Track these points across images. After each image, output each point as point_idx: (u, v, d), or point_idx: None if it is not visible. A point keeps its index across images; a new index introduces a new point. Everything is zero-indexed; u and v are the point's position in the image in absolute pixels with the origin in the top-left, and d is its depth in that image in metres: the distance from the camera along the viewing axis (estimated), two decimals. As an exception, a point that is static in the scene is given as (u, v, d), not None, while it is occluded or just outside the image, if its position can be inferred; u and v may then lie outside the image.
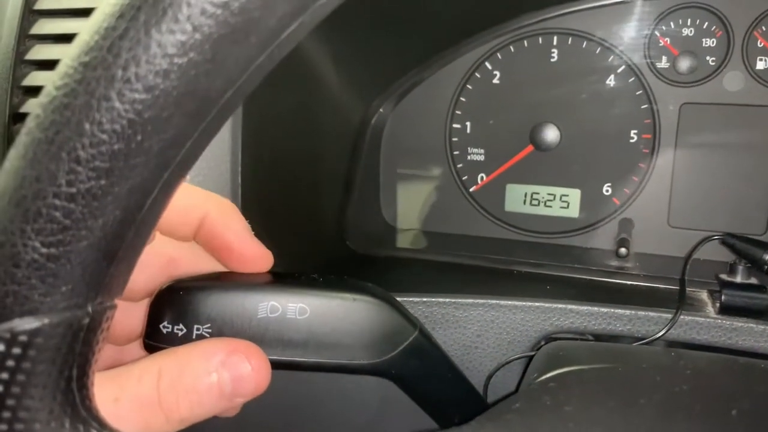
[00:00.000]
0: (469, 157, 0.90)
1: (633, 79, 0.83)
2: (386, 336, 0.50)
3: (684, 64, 0.81)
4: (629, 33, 0.82)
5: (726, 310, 0.63)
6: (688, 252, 0.70)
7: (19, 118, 0.67)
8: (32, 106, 0.67)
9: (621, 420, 0.36)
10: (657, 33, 0.82)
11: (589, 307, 0.64)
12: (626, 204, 0.85)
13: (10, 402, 0.30)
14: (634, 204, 0.85)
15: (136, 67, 0.26)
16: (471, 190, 0.91)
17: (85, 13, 0.69)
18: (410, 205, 0.93)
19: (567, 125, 0.85)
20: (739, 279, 0.66)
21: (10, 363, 0.30)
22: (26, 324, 0.29)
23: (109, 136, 0.27)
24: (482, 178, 0.90)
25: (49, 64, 0.68)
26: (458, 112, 0.89)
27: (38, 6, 0.69)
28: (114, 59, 0.26)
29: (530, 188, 0.88)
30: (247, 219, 0.63)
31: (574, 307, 0.64)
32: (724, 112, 0.80)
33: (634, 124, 0.84)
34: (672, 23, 0.81)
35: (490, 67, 0.87)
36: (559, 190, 0.87)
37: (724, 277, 0.67)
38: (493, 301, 0.66)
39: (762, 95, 0.79)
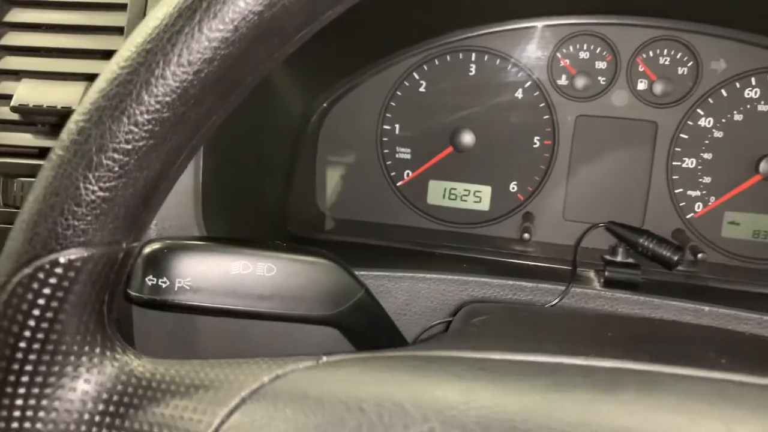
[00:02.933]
0: (397, 156, 1.00)
1: (537, 93, 0.95)
2: (338, 292, 0.58)
3: (580, 82, 0.94)
4: (535, 53, 0.95)
5: (609, 284, 0.76)
6: (579, 236, 0.83)
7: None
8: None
9: (540, 336, 0.47)
10: (558, 55, 0.95)
11: (499, 280, 0.75)
12: (529, 200, 0.97)
13: (61, 316, 0.37)
14: (535, 200, 0.97)
15: (189, 55, 0.34)
16: (398, 184, 1.01)
17: (55, 5, 0.74)
18: (343, 196, 1.02)
19: (481, 130, 0.97)
20: (619, 258, 0.79)
21: (65, 284, 0.36)
22: (80, 253, 0.36)
23: (161, 106, 0.35)
24: (408, 174, 1.00)
25: (21, 50, 0.73)
26: (388, 115, 0.99)
27: (8, 19, 0.74)
28: (171, 48, 0.34)
29: (449, 184, 0.99)
30: (207, 208, 0.70)
31: (486, 279, 0.75)
32: (611, 124, 0.94)
33: (537, 131, 0.96)
34: (571, 47, 0.94)
35: (417, 77, 0.98)
36: (473, 187, 0.99)
37: (607, 257, 0.80)
38: (420, 275, 0.76)
39: (641, 110, 0.93)
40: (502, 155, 0.97)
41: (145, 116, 0.35)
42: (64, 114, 0.68)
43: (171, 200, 0.68)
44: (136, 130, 0.35)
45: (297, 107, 0.93)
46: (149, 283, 0.54)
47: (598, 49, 0.94)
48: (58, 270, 0.36)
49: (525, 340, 0.46)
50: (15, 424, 0.36)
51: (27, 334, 0.36)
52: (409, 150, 1.00)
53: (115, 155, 0.35)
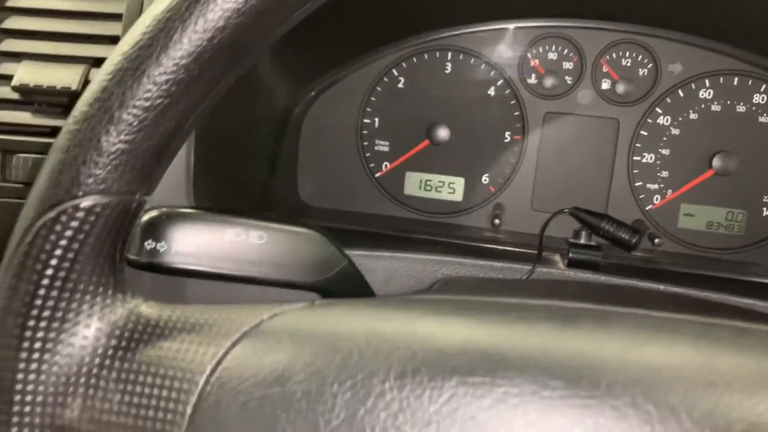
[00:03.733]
0: (376, 148, 1.04)
1: (508, 91, 1.01)
2: (323, 261, 0.62)
3: (548, 81, 1.00)
4: (507, 54, 1.00)
5: (572, 264, 0.81)
6: (546, 220, 0.88)
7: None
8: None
9: (511, 292, 0.51)
10: (529, 55, 1.00)
11: (472, 260, 0.80)
12: (500, 191, 1.02)
13: (80, 258, 0.40)
14: (505, 191, 1.02)
15: (204, 23, 0.38)
16: (376, 175, 1.05)
17: (52, 13, 0.77)
18: (324, 185, 1.06)
19: (456, 125, 1.02)
20: (582, 241, 0.84)
21: (85, 227, 0.40)
22: (99, 200, 0.40)
23: (178, 68, 0.38)
24: (386, 165, 1.05)
25: (22, 33, 0.76)
26: (368, 109, 1.03)
27: (10, 4, 0.77)
28: (189, 15, 0.38)
29: (425, 176, 1.04)
30: (197, 190, 0.73)
31: (460, 260, 0.80)
32: (577, 120, 0.99)
33: (508, 126, 1.01)
34: (540, 48, 1.00)
35: (396, 74, 1.03)
36: (447, 178, 1.04)
37: (571, 240, 0.85)
38: (398, 254, 0.80)
39: (605, 109, 0.99)
40: (475, 149, 1.02)
41: (163, 77, 0.38)
42: (63, 94, 0.72)
43: (164, 179, 0.72)
44: (154, 89, 0.39)
45: (283, 98, 0.97)
46: (148, 247, 0.57)
47: (566, 51, 0.99)
48: (79, 214, 0.40)
49: (497, 293, 0.50)
50: (36, 355, 0.40)
51: (49, 272, 0.40)
52: (387, 143, 1.04)
53: (135, 111, 0.39)
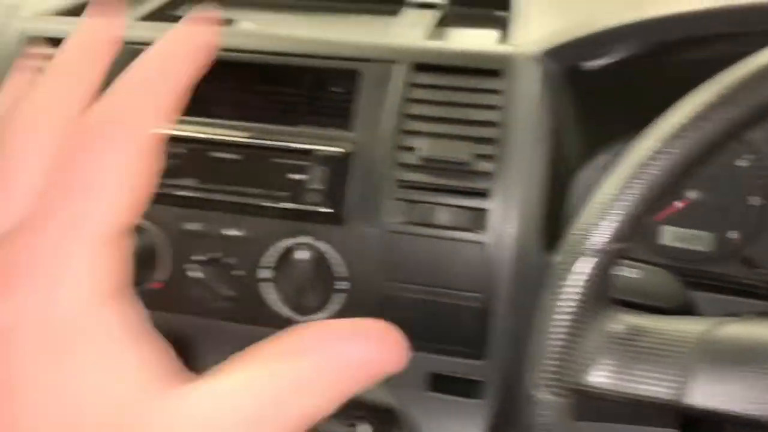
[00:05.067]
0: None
1: (758, 163, 1.20)
2: (671, 294, 0.85)
3: (793, 157, 1.19)
4: (758, 133, 1.20)
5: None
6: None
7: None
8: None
9: None
10: (776, 135, 1.20)
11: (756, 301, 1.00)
12: (746, 246, 1.21)
13: (604, 286, 0.64)
14: (751, 246, 1.21)
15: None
16: (635, 227, 1.27)
17: (443, 104, 1.05)
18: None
19: (707, 189, 1.22)
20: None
21: (607, 265, 0.64)
22: (617, 245, 0.64)
23: (669, 170, 0.62)
24: (644, 219, 1.26)
25: (421, 118, 1.04)
26: (633, 173, 1.26)
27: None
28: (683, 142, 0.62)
29: (678, 230, 1.25)
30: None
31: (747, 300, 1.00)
32: (819, 190, 1.18)
33: (755, 192, 1.20)
34: (787, 130, 1.19)
35: (657, 146, 1.25)
36: (698, 232, 1.23)
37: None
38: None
39: None
40: (724, 209, 1.22)
41: (653, 181, 0.62)
42: (455, 163, 0.98)
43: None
44: (650, 184, 0.62)
45: (573, 162, 1.22)
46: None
47: (809, 132, 1.18)
48: (606, 256, 0.64)
49: None
50: (573, 344, 0.64)
51: (587, 294, 0.64)
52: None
53: (637, 196, 0.63)
